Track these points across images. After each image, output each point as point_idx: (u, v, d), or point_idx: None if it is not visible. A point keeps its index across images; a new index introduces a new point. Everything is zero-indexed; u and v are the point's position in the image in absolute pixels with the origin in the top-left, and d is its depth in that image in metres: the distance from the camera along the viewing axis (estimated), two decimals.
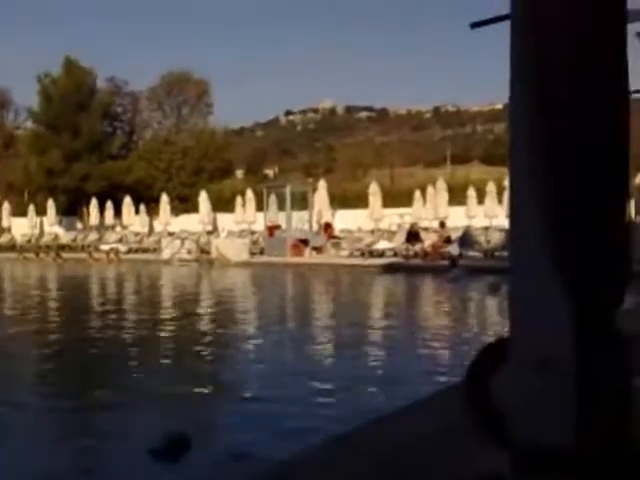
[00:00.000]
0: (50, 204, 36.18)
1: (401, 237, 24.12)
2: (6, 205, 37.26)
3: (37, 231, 35.94)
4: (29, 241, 34.54)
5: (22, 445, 4.59)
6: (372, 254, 23.23)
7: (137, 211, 34.83)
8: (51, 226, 36.40)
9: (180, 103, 52.18)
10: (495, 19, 2.19)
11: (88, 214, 37.00)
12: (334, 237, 26.41)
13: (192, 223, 32.31)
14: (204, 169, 44.60)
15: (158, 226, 33.95)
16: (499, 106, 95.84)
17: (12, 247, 33.74)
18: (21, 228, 36.22)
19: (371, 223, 27.35)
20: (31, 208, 36.38)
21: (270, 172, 75.51)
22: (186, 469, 3.99)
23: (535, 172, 1.66)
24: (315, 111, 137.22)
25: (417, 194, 28.24)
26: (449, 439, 3.12)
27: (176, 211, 35.36)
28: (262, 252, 26.04)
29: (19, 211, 37.74)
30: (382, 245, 24.19)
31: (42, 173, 41.74)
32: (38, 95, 44.33)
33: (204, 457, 4.20)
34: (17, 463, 4.24)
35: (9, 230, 36.62)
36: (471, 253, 21.44)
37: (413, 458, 3.00)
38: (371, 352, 7.84)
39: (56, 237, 35.10)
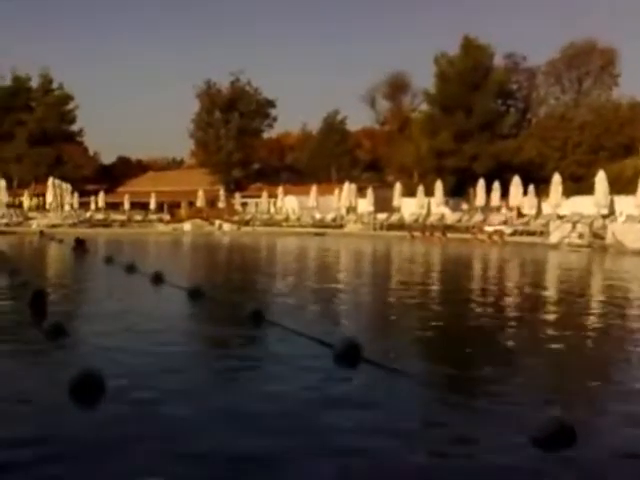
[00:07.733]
0: (438, 185, 36.39)
1: None
2: (397, 186, 38.68)
3: (424, 211, 36.46)
4: (416, 220, 35.25)
5: None
6: None
7: (525, 192, 32.79)
8: (438, 206, 36.70)
9: (581, 75, 47.75)
10: None
11: (474, 195, 36.13)
12: None
13: (585, 205, 29.31)
14: (604, 147, 39.83)
15: (546, 208, 31.78)
16: None
17: (400, 226, 34.76)
18: (409, 207, 37.23)
19: None
20: (420, 189, 37.04)
21: None
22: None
23: None
24: None
25: None
26: None
27: (568, 192, 32.05)
28: None
29: (408, 191, 38.78)
30: None
31: (432, 154, 42.23)
32: (435, 77, 44.87)
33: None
34: None
35: (399, 210, 37.89)
36: None
37: None
38: None
39: (442, 217, 35.30)
